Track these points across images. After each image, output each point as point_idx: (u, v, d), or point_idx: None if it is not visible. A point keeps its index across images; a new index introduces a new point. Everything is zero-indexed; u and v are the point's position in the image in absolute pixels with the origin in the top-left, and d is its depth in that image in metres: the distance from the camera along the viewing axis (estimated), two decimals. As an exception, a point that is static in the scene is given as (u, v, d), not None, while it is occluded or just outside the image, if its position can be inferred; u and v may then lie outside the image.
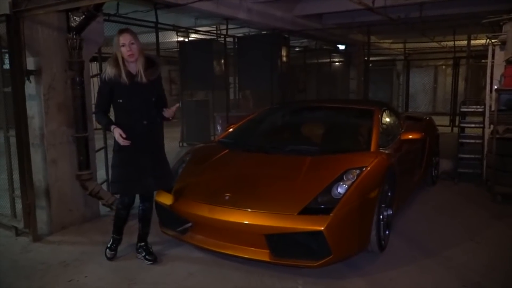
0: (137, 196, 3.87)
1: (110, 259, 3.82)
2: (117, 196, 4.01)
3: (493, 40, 6.08)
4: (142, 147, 3.55)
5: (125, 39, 3.41)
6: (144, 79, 3.48)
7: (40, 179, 4.43)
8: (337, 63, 14.93)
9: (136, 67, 3.49)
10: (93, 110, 3.73)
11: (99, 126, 4.20)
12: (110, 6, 5.95)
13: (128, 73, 3.47)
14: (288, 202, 3.37)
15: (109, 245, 3.86)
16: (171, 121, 3.78)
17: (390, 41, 14.72)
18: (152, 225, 3.92)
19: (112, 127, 3.46)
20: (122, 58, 3.44)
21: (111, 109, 3.67)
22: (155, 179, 3.65)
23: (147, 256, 3.79)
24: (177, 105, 3.75)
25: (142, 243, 3.85)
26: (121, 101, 3.52)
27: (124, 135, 3.41)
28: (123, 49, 3.40)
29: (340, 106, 5.53)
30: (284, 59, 10.16)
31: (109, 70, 3.47)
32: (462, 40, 11.61)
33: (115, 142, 3.53)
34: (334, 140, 4.73)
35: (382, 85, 16.18)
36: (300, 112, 5.59)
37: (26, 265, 3.79)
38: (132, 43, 3.42)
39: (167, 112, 3.63)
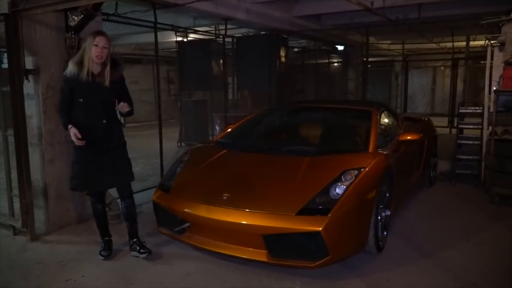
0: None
1: (106, 257, 3.84)
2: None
3: (492, 42, 6.09)
4: (101, 145, 3.67)
5: (100, 40, 3.50)
6: (106, 81, 3.56)
7: (38, 178, 4.42)
8: (335, 64, 14.93)
9: (101, 69, 3.57)
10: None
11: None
12: (108, 6, 5.93)
13: (90, 73, 3.54)
14: (286, 203, 3.37)
15: (101, 249, 3.90)
16: (130, 116, 3.84)
17: (389, 42, 14.73)
18: (149, 225, 3.93)
19: (69, 126, 3.52)
20: (89, 57, 3.51)
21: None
22: (115, 176, 3.76)
23: (141, 250, 3.88)
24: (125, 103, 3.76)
25: (135, 239, 3.94)
26: (81, 100, 3.59)
27: (79, 135, 3.47)
28: (94, 49, 3.48)
29: (338, 107, 5.52)
30: (283, 59, 10.15)
31: (70, 67, 3.53)
32: (461, 41, 11.62)
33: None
34: (332, 140, 4.73)
35: (380, 86, 16.18)
36: (299, 113, 5.59)
37: (24, 264, 3.79)
38: (105, 48, 3.51)
39: (122, 108, 3.66)
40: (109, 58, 3.58)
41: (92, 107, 3.61)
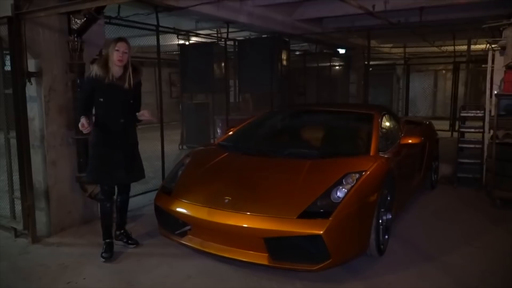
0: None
1: (108, 259, 3.85)
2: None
3: (493, 45, 6.10)
4: (117, 143, 3.89)
5: (121, 46, 3.75)
6: (126, 84, 3.81)
7: (39, 180, 4.43)
8: (337, 67, 14.94)
9: (122, 72, 3.81)
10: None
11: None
12: (111, 9, 5.94)
13: (112, 76, 3.77)
14: (288, 206, 3.37)
15: (102, 251, 3.91)
16: (141, 122, 4.10)
17: (390, 45, 14.73)
18: (150, 227, 3.92)
19: (82, 117, 3.71)
20: (111, 61, 3.76)
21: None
22: (127, 173, 3.96)
23: (129, 241, 4.19)
24: (147, 110, 4.06)
25: (122, 231, 4.22)
26: (102, 100, 3.83)
27: (86, 125, 3.66)
28: (116, 54, 3.73)
29: (340, 110, 5.53)
30: (284, 62, 10.15)
31: (96, 69, 3.78)
32: (462, 45, 11.60)
33: (92, 136, 3.91)
34: (333, 144, 4.73)
35: (382, 89, 16.17)
36: (300, 116, 5.60)
37: (25, 266, 3.79)
38: (125, 52, 3.76)
39: (142, 116, 3.99)
40: (129, 62, 3.83)
41: (111, 107, 3.86)
